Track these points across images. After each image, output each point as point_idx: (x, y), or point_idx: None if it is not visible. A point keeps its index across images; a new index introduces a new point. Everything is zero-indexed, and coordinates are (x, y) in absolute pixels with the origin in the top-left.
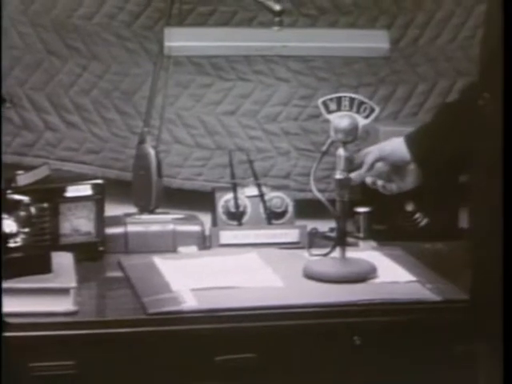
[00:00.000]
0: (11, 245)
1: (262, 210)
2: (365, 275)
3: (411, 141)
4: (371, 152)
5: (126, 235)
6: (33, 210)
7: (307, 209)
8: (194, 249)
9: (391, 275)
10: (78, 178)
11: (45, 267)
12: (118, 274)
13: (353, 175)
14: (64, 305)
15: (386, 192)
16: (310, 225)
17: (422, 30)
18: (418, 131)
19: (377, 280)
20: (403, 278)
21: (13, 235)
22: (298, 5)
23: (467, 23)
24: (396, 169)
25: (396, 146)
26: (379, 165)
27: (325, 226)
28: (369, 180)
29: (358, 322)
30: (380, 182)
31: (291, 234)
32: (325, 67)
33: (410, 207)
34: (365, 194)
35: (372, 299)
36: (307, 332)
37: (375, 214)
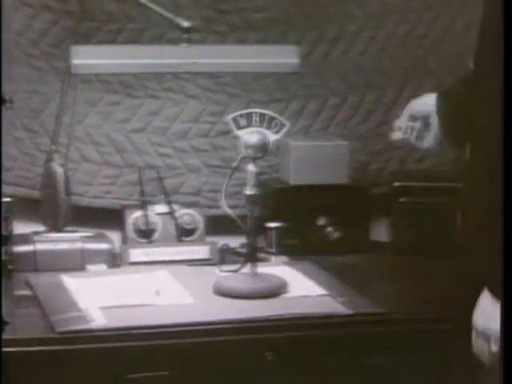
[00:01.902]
0: None
1: (172, 227)
2: (276, 290)
3: (441, 96)
4: (406, 107)
5: (34, 253)
6: None
7: (218, 225)
8: (103, 267)
9: (303, 289)
10: None
11: None
12: (26, 292)
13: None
14: None
15: (419, 147)
16: (221, 241)
17: (333, 44)
18: (450, 89)
19: (288, 295)
20: (314, 292)
21: None
22: (207, 21)
23: (378, 36)
24: (426, 125)
25: (427, 99)
26: (412, 121)
27: (236, 242)
28: (399, 136)
29: (269, 338)
30: (412, 139)
31: (202, 251)
32: (235, 83)
33: (321, 221)
34: (276, 209)
35: (283, 314)
36: (219, 348)
37: (286, 228)
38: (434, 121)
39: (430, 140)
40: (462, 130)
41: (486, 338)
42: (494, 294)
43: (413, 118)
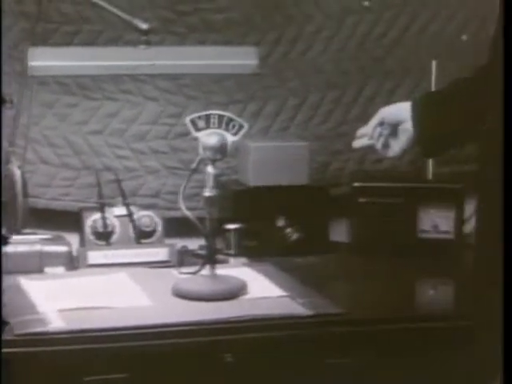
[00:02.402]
0: None
1: (130, 229)
2: (235, 292)
3: (417, 104)
4: (377, 113)
5: None
6: None
7: (177, 227)
8: (61, 269)
9: (262, 291)
10: None
11: None
12: None
13: (356, 142)
14: None
15: (383, 154)
16: (180, 243)
17: (292, 45)
18: (426, 96)
19: (247, 296)
20: (274, 293)
21: None
22: (165, 23)
23: (337, 36)
24: (394, 132)
25: (400, 107)
26: (381, 127)
27: (195, 243)
28: (366, 142)
29: (229, 339)
30: (379, 145)
31: (161, 253)
32: (193, 85)
33: (280, 222)
34: (235, 210)
35: (243, 316)
36: (178, 351)
37: (246, 230)
38: (404, 129)
39: (395, 148)
40: (438, 137)
41: None
42: None
43: (382, 124)
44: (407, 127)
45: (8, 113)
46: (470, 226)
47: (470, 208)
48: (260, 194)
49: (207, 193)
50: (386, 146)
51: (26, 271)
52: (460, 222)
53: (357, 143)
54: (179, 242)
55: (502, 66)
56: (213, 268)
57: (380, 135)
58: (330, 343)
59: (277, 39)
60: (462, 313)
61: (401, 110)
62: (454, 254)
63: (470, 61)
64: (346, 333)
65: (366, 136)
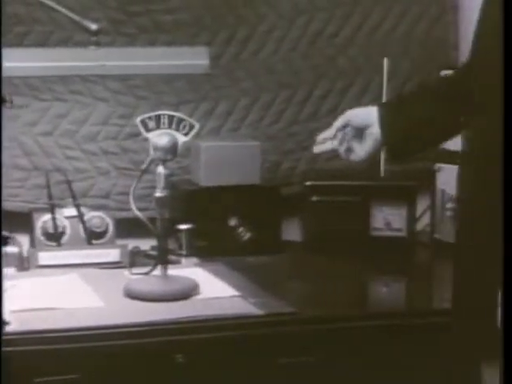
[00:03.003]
0: None
1: (81, 230)
2: (187, 292)
3: (383, 108)
4: (342, 115)
5: None
6: None
7: (128, 228)
8: (11, 270)
9: (214, 291)
10: None
11: None
12: None
13: (317, 147)
14: None
15: (346, 158)
16: (132, 244)
17: (244, 45)
18: (393, 99)
19: (199, 296)
20: (226, 293)
21: None
22: (115, 24)
23: (289, 36)
24: (359, 136)
25: (367, 110)
26: (345, 130)
27: (147, 244)
28: (328, 147)
29: (181, 340)
30: (342, 150)
31: (112, 254)
32: (144, 86)
33: (232, 222)
34: (186, 210)
35: (195, 316)
36: (130, 351)
37: (197, 230)
38: (370, 132)
39: (360, 152)
40: (406, 141)
41: None
42: None
43: (346, 127)
44: (373, 131)
45: None
46: (422, 224)
47: (422, 205)
48: (212, 194)
49: (158, 193)
50: (349, 150)
51: None
52: (412, 219)
53: (318, 148)
54: (131, 243)
55: (502, 66)
56: (164, 268)
57: (343, 139)
58: (282, 343)
59: (228, 39)
60: (415, 309)
61: (368, 114)
62: (407, 252)
63: (422, 59)
64: (299, 332)
65: (327, 140)
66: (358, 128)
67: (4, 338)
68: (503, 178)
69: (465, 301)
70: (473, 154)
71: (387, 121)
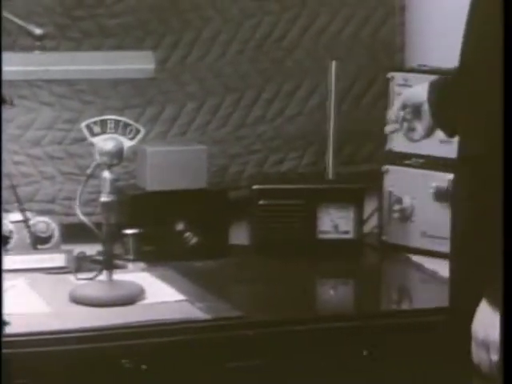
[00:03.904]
0: None
1: (27, 235)
2: (133, 297)
3: (432, 84)
4: (400, 96)
5: None
6: None
7: (74, 233)
8: None
9: (161, 296)
10: None
11: None
12: None
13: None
14: None
15: (410, 139)
16: (78, 249)
17: (190, 49)
18: (443, 79)
19: (146, 301)
20: (173, 297)
21: None
22: (60, 28)
23: (236, 39)
24: (418, 114)
25: (420, 88)
26: (403, 111)
27: (93, 249)
28: (391, 128)
29: (127, 345)
30: (403, 130)
31: (58, 259)
32: (89, 90)
33: (179, 227)
34: (133, 215)
35: (141, 321)
36: (76, 357)
37: (144, 235)
38: (425, 110)
39: (421, 131)
40: (452, 118)
41: (486, 347)
42: (493, 302)
43: (404, 107)
44: (427, 108)
45: None
46: (369, 226)
47: (369, 207)
48: (158, 199)
49: (104, 198)
50: (411, 129)
51: None
52: (360, 221)
53: (388, 128)
54: (76, 248)
55: (502, 67)
56: (110, 274)
57: (403, 119)
58: (230, 347)
59: (174, 43)
60: (363, 311)
61: (421, 92)
62: (354, 254)
63: (369, 61)
64: (246, 336)
65: (393, 121)
66: (415, 106)
67: None
68: (503, 179)
69: (461, 300)
70: (469, 155)
71: (432, 97)
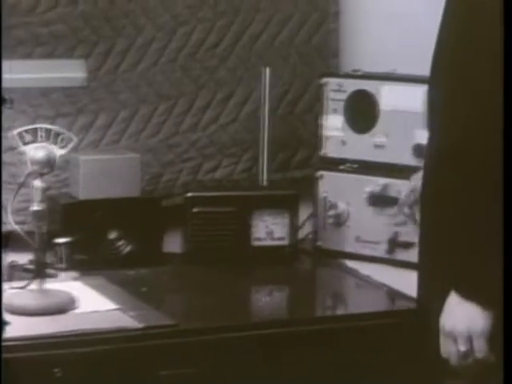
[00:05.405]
0: None
1: None
2: (64, 306)
3: None
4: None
5: None
6: None
7: (6, 242)
8: None
9: (93, 305)
10: None
11: None
12: None
13: None
14: None
15: None
16: (10, 258)
17: (123, 57)
18: None
19: (78, 310)
20: (105, 306)
21: None
22: None
23: (168, 47)
24: None
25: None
26: None
27: (24, 258)
28: None
29: (59, 354)
30: None
31: None
32: (21, 99)
33: (112, 235)
34: (65, 224)
35: (73, 330)
36: (8, 365)
37: (76, 243)
38: None
39: None
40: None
41: (454, 339)
42: (462, 294)
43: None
44: None
45: None
46: (304, 232)
47: (304, 214)
48: (91, 207)
49: (35, 207)
50: None
51: None
52: (294, 228)
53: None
54: (9, 257)
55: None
56: (42, 283)
57: None
58: (163, 355)
59: (106, 52)
60: (298, 318)
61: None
62: (289, 260)
63: (303, 67)
64: (180, 344)
65: None
66: None
67: None
68: (504, 178)
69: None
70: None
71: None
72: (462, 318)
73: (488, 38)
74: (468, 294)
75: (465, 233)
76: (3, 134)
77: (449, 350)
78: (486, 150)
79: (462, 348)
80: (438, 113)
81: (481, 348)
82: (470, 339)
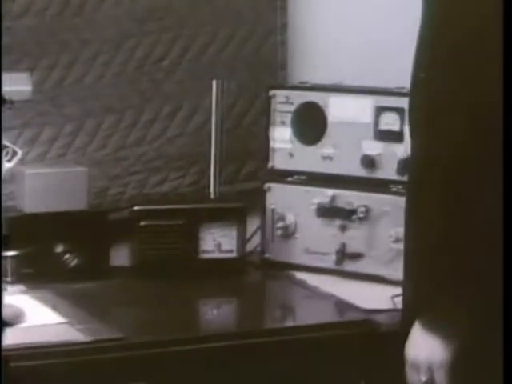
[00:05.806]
0: None
1: None
2: (12, 320)
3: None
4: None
5: None
6: None
7: None
8: None
9: (40, 318)
10: None
11: None
12: None
13: None
14: None
15: None
16: None
17: (68, 70)
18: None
19: (25, 324)
20: (52, 320)
21: None
22: None
23: (115, 60)
24: None
25: None
26: None
27: None
28: None
29: (5, 368)
30: None
31: None
32: None
33: (59, 249)
34: (11, 237)
35: (19, 344)
36: None
37: (23, 257)
38: None
39: None
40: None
41: (417, 368)
42: (424, 325)
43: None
44: None
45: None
46: (252, 244)
47: (252, 226)
48: (37, 221)
49: None
50: None
51: None
52: (242, 240)
53: None
54: None
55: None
56: None
57: None
58: (110, 369)
59: (52, 65)
60: (246, 330)
61: None
62: (238, 272)
63: (250, 79)
64: (127, 358)
65: None
66: None
67: None
68: (503, 179)
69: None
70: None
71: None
72: (424, 348)
73: (472, 47)
74: (429, 327)
75: (439, 259)
76: None
77: (412, 379)
78: (474, 164)
79: (423, 378)
80: (421, 125)
81: (441, 380)
82: (430, 370)
